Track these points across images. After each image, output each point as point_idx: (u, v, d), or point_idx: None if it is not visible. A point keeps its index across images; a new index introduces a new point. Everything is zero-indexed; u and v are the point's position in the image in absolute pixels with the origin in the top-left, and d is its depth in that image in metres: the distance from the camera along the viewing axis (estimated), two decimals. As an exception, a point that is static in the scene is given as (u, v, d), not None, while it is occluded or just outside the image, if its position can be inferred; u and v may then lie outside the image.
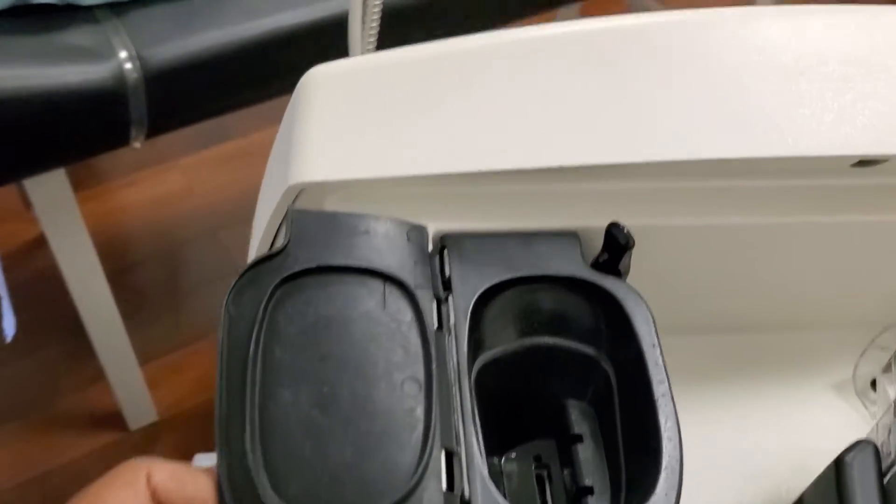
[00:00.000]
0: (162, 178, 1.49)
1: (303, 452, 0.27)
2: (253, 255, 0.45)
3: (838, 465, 0.32)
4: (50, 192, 1.10)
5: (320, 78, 0.37)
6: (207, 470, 0.28)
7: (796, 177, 0.38)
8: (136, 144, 1.03)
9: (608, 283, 0.34)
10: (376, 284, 0.32)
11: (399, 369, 0.30)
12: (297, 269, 0.31)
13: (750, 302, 0.41)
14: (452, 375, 0.31)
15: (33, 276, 1.33)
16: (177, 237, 1.42)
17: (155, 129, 1.02)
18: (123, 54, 0.94)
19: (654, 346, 0.32)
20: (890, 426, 0.32)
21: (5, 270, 1.07)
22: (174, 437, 1.22)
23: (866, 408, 0.40)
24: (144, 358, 1.17)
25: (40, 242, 1.17)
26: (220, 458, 0.27)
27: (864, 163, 0.37)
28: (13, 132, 0.93)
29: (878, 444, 0.32)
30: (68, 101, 0.92)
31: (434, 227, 0.36)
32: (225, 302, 0.30)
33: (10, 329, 1.02)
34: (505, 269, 0.35)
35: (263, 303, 0.29)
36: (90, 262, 1.18)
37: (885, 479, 0.31)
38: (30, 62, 0.92)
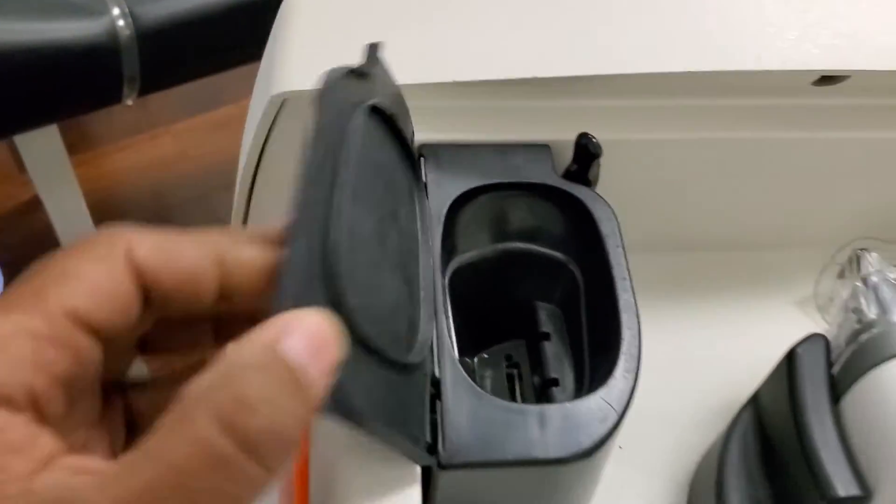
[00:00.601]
0: (155, 143, 1.49)
1: (362, 269, 0.26)
2: (241, 178, 0.46)
3: (790, 355, 0.33)
4: (43, 151, 1.10)
5: (303, -5, 0.39)
6: (192, 238, 0.24)
7: (761, 96, 0.39)
8: (129, 101, 1.04)
9: (576, 190, 0.36)
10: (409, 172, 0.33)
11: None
12: (378, 103, 0.30)
13: (716, 220, 0.43)
14: None
15: (27, 239, 1.33)
16: (169, 201, 1.42)
17: (147, 87, 1.02)
18: (116, 11, 0.95)
19: (617, 246, 0.34)
20: (840, 321, 0.34)
21: (-1, 232, 1.08)
22: (165, 394, 1.23)
23: (827, 322, 0.41)
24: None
25: (34, 205, 1.18)
26: (297, 237, 0.23)
27: (825, 80, 0.38)
28: (6, 87, 0.94)
29: (830, 338, 0.34)
30: (61, 57, 0.92)
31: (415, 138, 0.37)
32: (321, 93, 0.28)
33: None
34: (479, 176, 0.36)
35: (357, 118, 0.28)
36: (83, 218, 1.18)
37: (834, 370, 0.33)
38: (23, 17, 0.92)
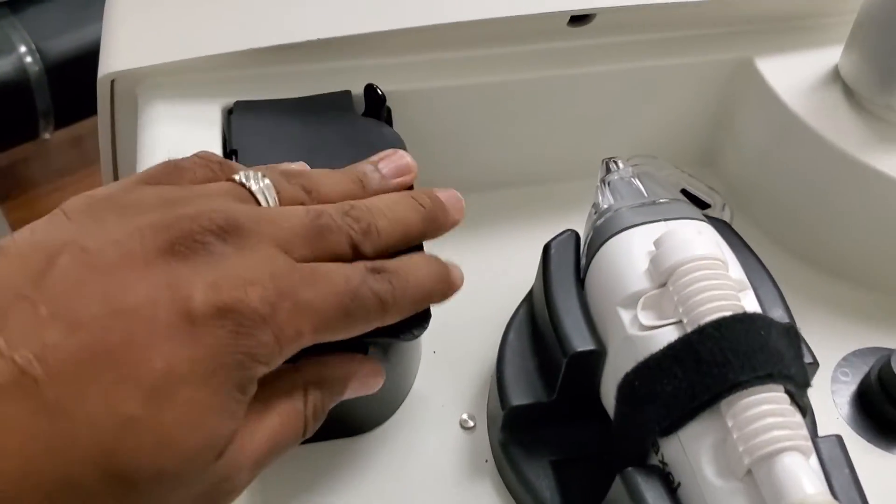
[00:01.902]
0: (88, 182, 1.53)
1: None
2: (102, 163, 0.51)
3: (545, 248, 0.39)
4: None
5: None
6: None
7: (527, 42, 0.45)
8: (46, 135, 1.08)
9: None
10: None
11: None
12: None
13: (507, 159, 0.49)
14: None
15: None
16: None
17: (62, 119, 1.07)
18: (23, 48, 0.99)
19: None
20: (588, 216, 0.40)
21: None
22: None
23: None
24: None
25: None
26: None
27: (576, 20, 0.45)
28: (-77, 131, 0.98)
29: (582, 234, 0.40)
30: (-27, 98, 0.96)
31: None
32: None
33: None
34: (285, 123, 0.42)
35: None
36: None
37: (582, 261, 0.38)
38: (-66, 64, 0.96)
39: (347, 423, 0.40)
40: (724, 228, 0.39)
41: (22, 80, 1.02)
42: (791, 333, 0.33)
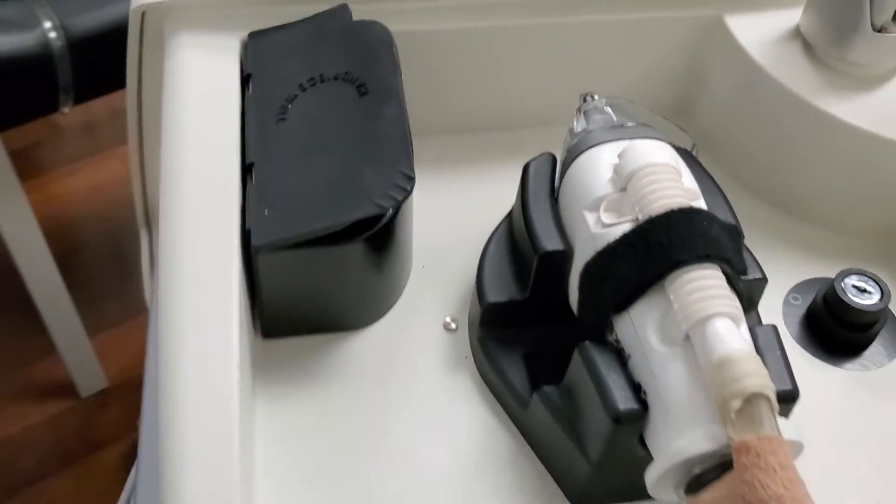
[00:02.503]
0: (102, 166, 1.57)
1: None
2: (128, 100, 0.56)
3: (524, 168, 0.43)
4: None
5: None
6: None
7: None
8: (66, 109, 1.13)
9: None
10: None
11: None
12: None
13: (492, 103, 0.53)
14: None
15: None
16: (121, 220, 1.49)
17: (82, 95, 1.11)
18: (48, 24, 1.04)
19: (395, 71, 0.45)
20: (563, 141, 0.44)
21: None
22: (124, 400, 1.26)
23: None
24: (93, 330, 1.23)
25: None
26: None
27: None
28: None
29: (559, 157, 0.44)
30: (-2, 70, 1.00)
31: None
32: None
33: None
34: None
35: None
36: (35, 238, 1.24)
37: (557, 181, 0.43)
38: (-41, 35, 1.00)
39: (340, 319, 0.44)
40: (687, 156, 0.44)
41: (45, 54, 1.06)
42: (732, 231, 0.37)
